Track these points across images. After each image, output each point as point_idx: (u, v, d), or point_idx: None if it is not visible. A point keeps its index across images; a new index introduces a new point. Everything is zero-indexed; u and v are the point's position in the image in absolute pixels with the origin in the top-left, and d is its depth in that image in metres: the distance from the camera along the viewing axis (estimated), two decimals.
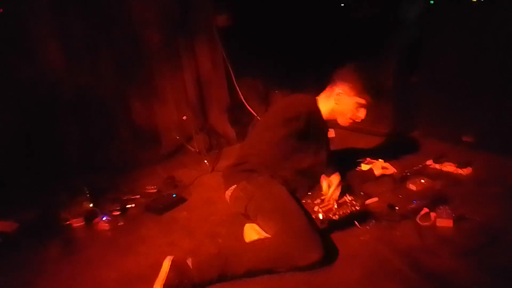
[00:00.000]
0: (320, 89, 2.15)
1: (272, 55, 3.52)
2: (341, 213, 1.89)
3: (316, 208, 1.87)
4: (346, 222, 1.91)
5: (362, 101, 2.02)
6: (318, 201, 1.92)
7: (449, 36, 2.79)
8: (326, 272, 1.66)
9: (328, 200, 1.92)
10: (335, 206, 1.89)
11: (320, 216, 1.85)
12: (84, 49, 3.08)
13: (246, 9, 3.59)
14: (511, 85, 2.50)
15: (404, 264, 1.65)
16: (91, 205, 2.45)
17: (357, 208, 1.92)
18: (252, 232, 1.88)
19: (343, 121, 2.11)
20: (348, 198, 1.94)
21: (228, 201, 2.09)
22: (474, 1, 2.73)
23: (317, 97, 2.13)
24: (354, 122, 2.12)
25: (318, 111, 2.08)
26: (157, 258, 1.93)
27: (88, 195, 2.47)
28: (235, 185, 2.01)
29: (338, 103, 2.04)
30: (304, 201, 1.95)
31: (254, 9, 3.61)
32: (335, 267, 1.69)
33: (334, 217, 1.86)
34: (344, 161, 2.46)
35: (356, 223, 1.93)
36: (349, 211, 1.90)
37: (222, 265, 1.62)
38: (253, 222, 1.94)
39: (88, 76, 3.11)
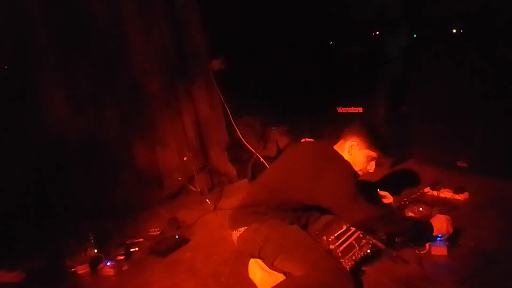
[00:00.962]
0: (334, 141, 2.26)
1: (267, 94, 3.65)
2: (362, 254, 1.86)
3: (332, 247, 1.85)
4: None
5: (373, 154, 2.14)
6: (332, 238, 1.88)
7: (434, 66, 2.90)
8: None
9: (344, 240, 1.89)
10: (356, 248, 1.86)
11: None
12: (89, 99, 3.22)
13: (240, 52, 3.76)
14: (499, 110, 2.57)
15: None
16: (95, 251, 2.48)
17: (374, 244, 1.91)
18: (256, 268, 1.90)
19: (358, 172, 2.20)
20: (361, 235, 1.91)
21: (236, 242, 2.08)
22: (454, 32, 2.86)
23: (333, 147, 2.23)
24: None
25: None
26: None
27: (93, 241, 2.51)
28: (246, 227, 2.01)
29: (351, 154, 2.14)
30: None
31: (248, 51, 3.78)
32: None
33: (354, 259, 1.84)
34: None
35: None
36: (368, 251, 1.88)
37: None
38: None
39: (93, 124, 3.24)
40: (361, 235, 1.90)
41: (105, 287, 2.23)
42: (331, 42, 3.45)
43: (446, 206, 2.36)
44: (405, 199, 2.53)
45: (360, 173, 2.18)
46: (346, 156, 2.14)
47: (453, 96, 2.84)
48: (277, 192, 2.07)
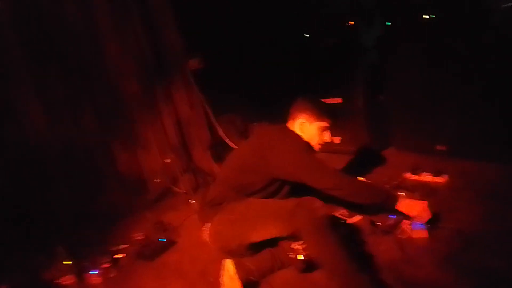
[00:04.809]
0: (284, 122, 2.27)
1: (246, 90, 3.65)
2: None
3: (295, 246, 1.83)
4: None
5: (324, 124, 2.17)
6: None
7: (409, 54, 2.93)
8: None
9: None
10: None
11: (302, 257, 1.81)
12: (65, 105, 3.18)
13: (217, 50, 3.75)
14: (474, 93, 2.61)
15: (389, 276, 1.70)
16: (69, 262, 2.42)
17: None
18: (225, 270, 1.87)
19: (313, 147, 2.22)
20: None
21: (208, 240, 2.10)
22: (426, 18, 2.89)
23: None
24: (327, 145, 2.24)
25: None
26: None
27: (64, 253, 2.45)
28: (209, 223, 2.04)
29: (303, 131, 2.16)
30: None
31: (224, 49, 3.77)
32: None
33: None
34: None
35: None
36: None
37: None
38: (236, 254, 1.96)
39: (71, 131, 3.20)
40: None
41: None
42: (307, 35, 3.45)
43: (426, 190, 2.39)
44: (387, 186, 2.56)
45: (318, 146, 2.21)
46: (299, 134, 2.16)
47: (429, 82, 2.87)
48: (230, 181, 2.09)
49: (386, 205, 1.99)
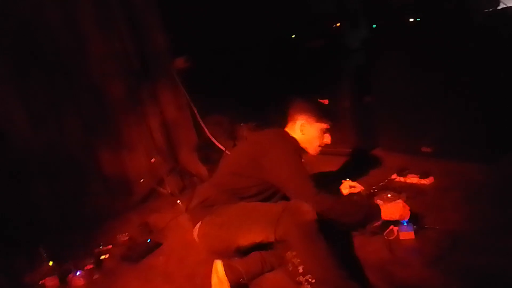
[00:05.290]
0: (283, 125, 2.24)
1: (233, 91, 3.63)
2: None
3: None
4: None
5: (325, 126, 2.14)
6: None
7: (394, 55, 2.96)
8: None
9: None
10: None
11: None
12: (47, 107, 3.11)
13: (203, 50, 3.73)
14: (459, 95, 2.65)
15: (378, 278, 1.70)
16: (51, 263, 2.40)
17: None
18: (213, 272, 1.86)
19: (312, 149, 2.19)
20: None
21: (197, 240, 2.07)
22: (411, 21, 2.93)
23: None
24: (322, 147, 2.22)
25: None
26: None
27: (45, 255, 2.41)
28: (199, 222, 2.01)
29: (304, 133, 2.13)
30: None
31: (211, 49, 3.75)
32: None
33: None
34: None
35: None
36: None
37: None
38: (225, 256, 1.92)
39: (54, 133, 3.13)
40: None
41: None
42: (293, 36, 3.46)
43: (413, 191, 2.42)
44: (373, 187, 2.58)
45: (318, 149, 2.18)
46: (298, 136, 2.14)
47: (415, 83, 2.89)
48: (224, 184, 2.06)
49: (370, 220, 1.95)
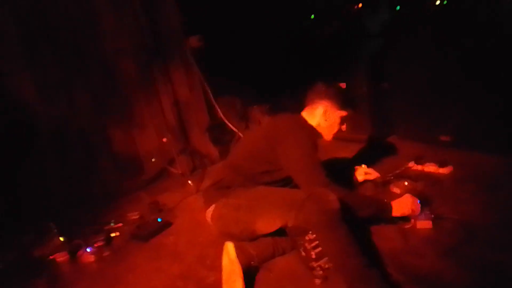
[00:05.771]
0: (300, 108, 2.17)
1: (248, 73, 3.57)
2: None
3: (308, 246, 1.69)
4: None
5: (345, 114, 2.09)
6: (311, 237, 1.69)
7: (415, 40, 2.86)
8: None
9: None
10: None
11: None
12: (58, 82, 3.09)
13: (219, 31, 3.66)
14: (481, 84, 2.56)
15: (391, 266, 1.67)
16: (61, 238, 2.41)
17: None
18: (224, 254, 1.83)
19: (329, 136, 2.15)
20: None
21: (211, 222, 2.03)
22: (437, 4, 2.82)
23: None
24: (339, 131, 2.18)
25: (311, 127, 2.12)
26: (146, 287, 1.91)
27: (55, 231, 2.42)
28: (214, 204, 1.97)
29: (327, 119, 2.07)
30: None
31: (226, 30, 3.68)
32: None
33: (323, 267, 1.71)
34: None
35: None
36: None
37: None
38: (239, 239, 1.89)
39: (64, 108, 3.12)
40: None
41: (86, 274, 2.17)
42: (312, 16, 3.36)
43: (430, 180, 2.36)
44: (389, 175, 2.53)
45: (334, 135, 2.14)
46: (318, 122, 2.08)
47: (435, 70, 2.81)
48: (241, 168, 2.01)
49: (381, 215, 1.92)
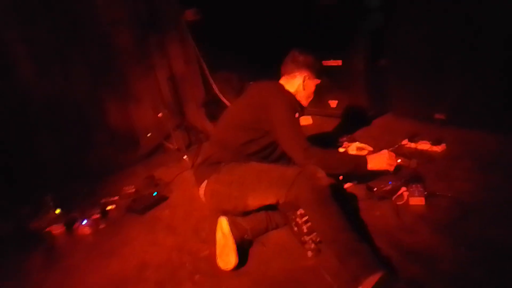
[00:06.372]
0: (277, 76, 2.19)
1: (244, 48, 3.52)
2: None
3: (299, 221, 1.73)
4: None
5: (318, 82, 2.18)
6: (302, 212, 1.72)
7: (413, 17, 2.82)
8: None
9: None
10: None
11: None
12: (53, 54, 3.04)
13: (215, 4, 3.58)
14: (476, 62, 2.55)
15: (384, 243, 1.69)
16: (57, 211, 2.42)
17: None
18: (218, 228, 1.85)
19: (306, 102, 2.21)
20: None
21: (203, 199, 2.05)
22: None
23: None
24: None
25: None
26: (142, 259, 1.94)
27: (52, 203, 2.43)
28: (206, 180, 1.99)
29: (305, 88, 2.13)
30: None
31: (223, 3, 3.60)
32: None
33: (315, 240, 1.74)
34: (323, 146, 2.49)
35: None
36: None
37: None
38: (233, 213, 1.92)
39: (59, 81, 3.08)
40: None
41: (82, 246, 2.19)
42: None
43: (424, 158, 2.37)
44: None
45: (308, 102, 2.21)
46: (296, 90, 2.12)
47: (432, 48, 2.79)
48: (226, 141, 2.03)
49: (358, 170, 1.99)
